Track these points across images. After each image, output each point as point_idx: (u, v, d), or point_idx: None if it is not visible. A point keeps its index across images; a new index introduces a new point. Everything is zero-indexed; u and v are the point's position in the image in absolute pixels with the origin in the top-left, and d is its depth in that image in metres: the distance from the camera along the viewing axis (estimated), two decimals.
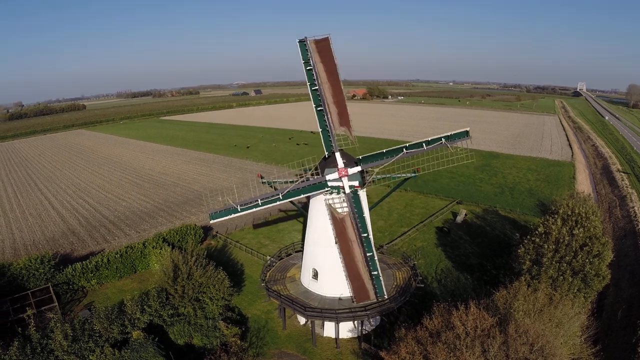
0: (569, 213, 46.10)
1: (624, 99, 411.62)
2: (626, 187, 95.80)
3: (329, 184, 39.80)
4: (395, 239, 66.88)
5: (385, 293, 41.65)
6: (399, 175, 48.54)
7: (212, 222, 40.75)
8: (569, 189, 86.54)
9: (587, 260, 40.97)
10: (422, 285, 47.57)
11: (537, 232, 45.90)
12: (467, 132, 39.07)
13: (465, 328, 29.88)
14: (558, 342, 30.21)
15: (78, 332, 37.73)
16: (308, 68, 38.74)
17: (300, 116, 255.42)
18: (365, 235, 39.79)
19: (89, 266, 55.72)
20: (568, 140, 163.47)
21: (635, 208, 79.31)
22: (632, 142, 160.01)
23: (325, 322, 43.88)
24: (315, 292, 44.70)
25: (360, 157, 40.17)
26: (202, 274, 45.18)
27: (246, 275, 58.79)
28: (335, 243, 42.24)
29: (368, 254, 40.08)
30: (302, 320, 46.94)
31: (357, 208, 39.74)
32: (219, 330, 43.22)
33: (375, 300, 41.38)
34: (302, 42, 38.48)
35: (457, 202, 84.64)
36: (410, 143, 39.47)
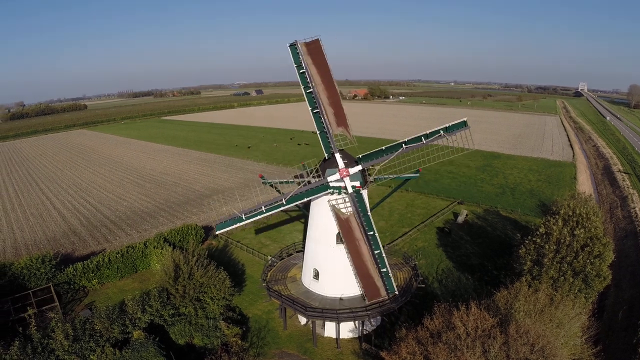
0: (570, 213, 46.04)
1: (626, 100, 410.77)
2: (627, 187, 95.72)
3: (331, 184, 39.77)
4: (396, 239, 66.86)
5: (395, 289, 41.64)
6: (400, 175, 48.56)
7: (218, 232, 40.73)
8: (570, 189, 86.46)
9: (588, 261, 40.92)
10: (423, 286, 47.55)
11: (538, 233, 45.87)
12: (464, 122, 39.16)
13: (466, 328, 29.87)
14: (559, 342, 30.20)
15: (79, 332, 37.76)
16: (301, 71, 38.56)
17: (302, 116, 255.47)
18: (372, 233, 39.71)
19: (90, 266, 55.79)
20: (569, 140, 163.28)
21: (637, 209, 79.21)
22: (633, 143, 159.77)
23: (326, 322, 43.90)
24: (316, 292, 44.71)
25: (361, 156, 40.17)
26: (203, 274, 45.21)
27: (247, 275, 58.84)
28: (337, 243, 42.36)
29: (376, 252, 40.04)
30: (302, 320, 46.96)
31: (361, 207, 39.74)
32: (220, 330, 43.26)
33: (386, 297, 41.31)
34: (293, 46, 38.29)
35: (458, 203, 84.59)
36: (409, 138, 39.42)
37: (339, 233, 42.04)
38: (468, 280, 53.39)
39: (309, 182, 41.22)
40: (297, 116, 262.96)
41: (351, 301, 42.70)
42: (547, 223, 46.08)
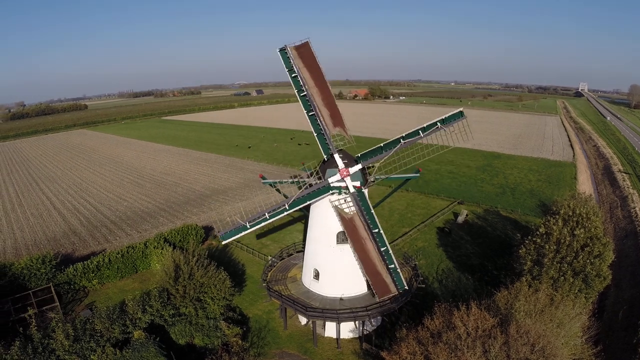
0: (570, 213, 46.03)
1: (626, 100, 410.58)
2: (627, 187, 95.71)
3: (333, 185, 39.79)
4: (397, 239, 66.89)
5: (405, 284, 41.65)
6: (400, 175, 48.58)
7: (223, 242, 40.85)
8: (570, 189, 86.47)
9: (588, 261, 40.93)
10: (423, 286, 47.57)
11: (538, 233, 45.87)
12: (461, 112, 39.23)
13: (467, 328, 29.89)
14: (559, 342, 30.21)
15: (79, 332, 37.77)
16: (293, 75, 38.52)
17: (302, 116, 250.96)
18: (377, 230, 39.71)
19: (90, 266, 55.80)
20: (569, 140, 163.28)
21: (637, 209, 79.21)
22: (633, 143, 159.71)
23: (327, 323, 43.92)
24: (317, 292, 44.73)
25: (360, 155, 40.20)
26: (203, 274, 45.21)
27: (247, 276, 58.85)
28: (337, 243, 42.38)
29: (382, 249, 40.05)
30: (303, 320, 46.98)
31: (364, 206, 39.76)
32: (220, 330, 43.28)
33: (397, 293, 41.35)
34: (283, 51, 38.27)
35: (458, 203, 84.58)
36: (406, 133, 39.42)
37: (339, 233, 42.10)
38: (468, 280, 53.39)
39: (310, 184, 41.30)
40: (297, 116, 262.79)
41: (351, 301, 42.72)
42: (547, 223, 46.08)
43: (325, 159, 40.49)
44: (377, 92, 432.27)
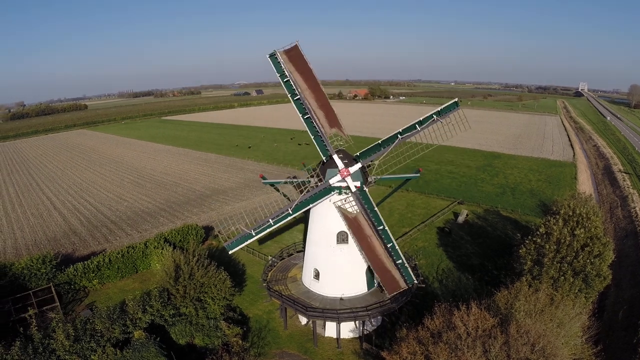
0: (570, 213, 46.04)
1: (626, 99, 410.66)
2: (627, 187, 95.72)
3: (334, 186, 39.84)
4: (397, 239, 66.52)
5: (414, 278, 41.71)
6: (401, 175, 48.63)
7: (230, 252, 41.05)
8: (571, 189, 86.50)
9: (588, 261, 40.94)
10: (424, 286, 47.56)
11: (538, 233, 45.88)
12: (456, 102, 39.29)
13: (467, 328, 29.91)
14: (559, 342, 30.22)
15: (80, 332, 37.78)
16: (285, 80, 38.41)
17: None
18: (382, 227, 39.74)
19: (91, 266, 55.80)
20: (570, 140, 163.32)
21: (637, 208, 79.22)
22: (633, 143, 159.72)
23: (327, 322, 43.92)
24: (317, 292, 44.75)
25: (359, 153, 40.22)
26: (203, 274, 45.23)
27: (247, 275, 58.86)
28: (337, 243, 42.37)
29: (389, 245, 40.09)
30: (303, 320, 46.99)
31: (367, 204, 39.81)
32: (221, 330, 43.29)
33: (407, 288, 41.49)
34: (273, 56, 38.14)
35: (458, 203, 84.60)
36: (403, 128, 39.38)
37: (339, 233, 42.12)
38: (468, 280, 53.40)
39: (309, 182, 41.32)
40: (297, 116, 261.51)
41: (352, 301, 42.74)
42: (547, 223, 46.09)
43: (325, 161, 40.47)
44: (377, 92, 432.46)
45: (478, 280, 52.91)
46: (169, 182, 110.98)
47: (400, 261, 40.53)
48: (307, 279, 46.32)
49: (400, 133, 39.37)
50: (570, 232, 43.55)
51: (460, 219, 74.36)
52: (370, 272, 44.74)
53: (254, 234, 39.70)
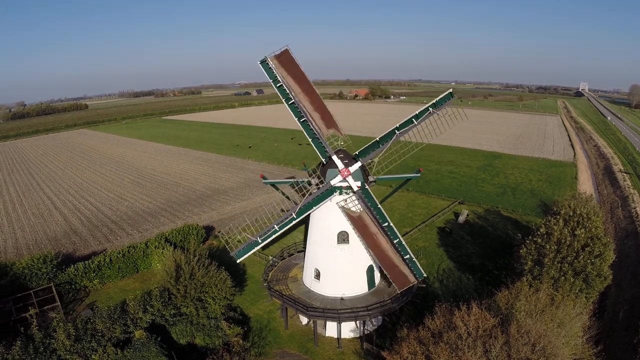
0: (571, 213, 46.03)
1: (626, 99, 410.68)
2: (628, 187, 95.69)
3: (336, 186, 39.90)
4: None
5: (423, 272, 41.76)
6: (401, 175, 48.63)
7: (238, 261, 41.43)
8: (571, 189, 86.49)
9: (588, 261, 40.93)
10: (424, 286, 47.58)
11: (539, 233, 45.87)
12: (450, 93, 39.30)
13: (467, 328, 29.91)
14: (560, 342, 30.23)
15: (80, 332, 37.82)
16: (278, 85, 38.32)
17: None
18: (387, 224, 39.74)
19: (91, 266, 55.85)
20: (570, 140, 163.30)
21: (637, 209, 79.20)
22: (634, 143, 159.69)
23: (327, 322, 43.95)
24: (318, 292, 44.77)
25: (358, 152, 40.25)
26: (204, 274, 45.26)
27: (248, 275, 58.88)
28: (338, 243, 42.39)
29: (395, 241, 40.11)
30: (304, 320, 47.02)
31: (370, 202, 39.85)
32: (221, 330, 43.32)
33: (416, 282, 41.62)
34: (264, 62, 38.05)
35: (459, 203, 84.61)
36: (399, 123, 39.38)
37: (339, 233, 42.15)
38: (469, 280, 53.43)
39: (309, 183, 41.37)
40: None
41: (352, 301, 42.76)
42: (548, 223, 46.08)
43: (325, 162, 40.48)
44: (377, 92, 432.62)
45: (479, 280, 52.92)
46: (170, 182, 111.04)
47: (408, 256, 40.61)
48: (308, 279, 46.35)
49: (397, 129, 39.41)
50: (571, 232, 43.54)
51: (461, 219, 74.36)
52: (370, 272, 44.80)
53: (260, 241, 40.08)
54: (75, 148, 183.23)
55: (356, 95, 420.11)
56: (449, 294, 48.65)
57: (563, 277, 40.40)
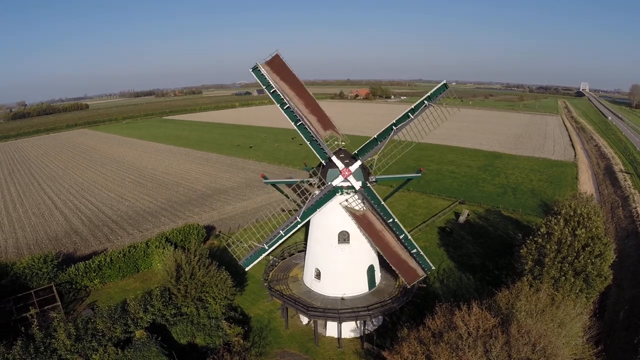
0: (572, 213, 46.03)
1: (627, 99, 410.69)
2: (629, 187, 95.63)
3: (338, 186, 39.96)
4: None
5: (431, 265, 41.81)
6: (402, 175, 48.62)
7: (247, 269, 41.66)
8: (572, 189, 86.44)
9: (589, 261, 40.91)
10: (425, 286, 47.60)
11: (539, 233, 45.85)
12: (445, 84, 39.38)
13: (468, 328, 29.93)
14: (560, 342, 30.23)
15: (81, 332, 37.85)
16: (272, 91, 38.31)
17: None
18: (392, 220, 39.84)
19: (92, 265, 55.88)
20: (571, 140, 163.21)
21: (638, 208, 79.15)
22: (635, 143, 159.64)
23: (328, 322, 43.95)
24: (318, 292, 44.78)
25: (357, 151, 40.27)
26: (204, 274, 45.27)
27: (249, 275, 58.77)
28: (339, 243, 42.41)
29: (401, 236, 40.22)
30: (304, 320, 47.03)
31: (373, 200, 39.94)
32: (222, 330, 43.34)
33: (425, 275, 41.78)
34: (256, 69, 38.01)
35: (459, 202, 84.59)
36: (396, 119, 39.40)
37: (340, 233, 42.18)
38: (469, 280, 53.43)
39: (309, 183, 41.42)
40: None
41: (353, 301, 42.76)
42: (548, 223, 46.07)
43: (324, 164, 40.48)
44: (378, 91, 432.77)
45: (479, 280, 52.94)
46: (170, 182, 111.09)
47: (415, 250, 40.69)
48: (309, 279, 46.36)
49: (394, 124, 39.45)
50: (572, 232, 43.52)
51: (462, 218, 74.35)
52: (371, 272, 44.82)
53: (267, 248, 40.43)
54: (76, 148, 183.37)
55: (357, 95, 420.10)
56: (449, 294, 48.67)
57: (563, 277, 40.40)
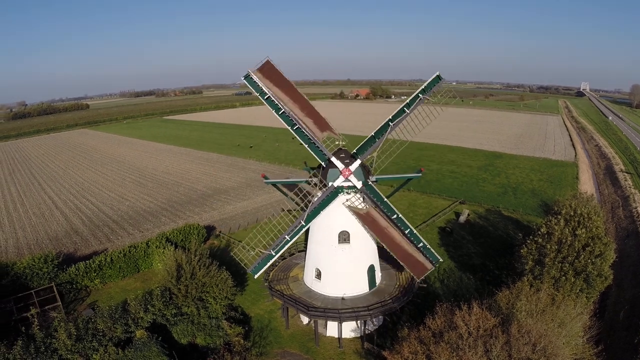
0: (572, 213, 46.04)
1: (628, 99, 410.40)
2: (629, 187, 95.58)
3: (339, 187, 39.98)
4: None
5: (438, 257, 42.02)
6: (402, 175, 48.63)
7: (255, 276, 42.21)
8: (572, 189, 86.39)
9: (589, 261, 40.93)
10: (425, 285, 47.58)
11: (539, 233, 45.86)
12: (438, 76, 39.38)
13: (468, 328, 29.94)
14: (560, 342, 30.23)
15: (82, 331, 37.89)
16: (266, 97, 38.33)
17: None
18: (396, 216, 40.16)
19: (93, 265, 55.92)
20: (571, 140, 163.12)
21: (638, 208, 79.11)
22: (635, 143, 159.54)
23: (328, 322, 43.95)
24: (318, 291, 44.78)
25: (355, 150, 40.30)
26: (205, 274, 45.28)
27: (249, 275, 58.66)
28: (339, 243, 42.42)
29: (407, 231, 40.60)
30: (305, 319, 47.04)
31: (376, 197, 40.08)
32: (222, 330, 43.35)
33: (433, 268, 42.15)
34: (248, 77, 38.01)
35: (460, 202, 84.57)
36: (392, 115, 39.44)
37: (341, 232, 42.18)
38: (470, 280, 53.43)
39: (309, 183, 41.48)
40: None
41: (353, 301, 42.76)
42: (548, 223, 46.09)
43: (324, 165, 40.49)
44: (378, 91, 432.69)
45: (479, 280, 52.94)
46: (171, 182, 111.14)
47: (421, 244, 41.03)
48: (309, 279, 46.37)
49: (390, 120, 39.45)
50: (572, 232, 43.54)
51: (462, 218, 74.34)
52: (371, 272, 44.82)
53: (274, 254, 40.90)
54: (77, 148, 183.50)
55: (357, 95, 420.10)
56: (449, 294, 48.68)
57: (564, 277, 40.40)
